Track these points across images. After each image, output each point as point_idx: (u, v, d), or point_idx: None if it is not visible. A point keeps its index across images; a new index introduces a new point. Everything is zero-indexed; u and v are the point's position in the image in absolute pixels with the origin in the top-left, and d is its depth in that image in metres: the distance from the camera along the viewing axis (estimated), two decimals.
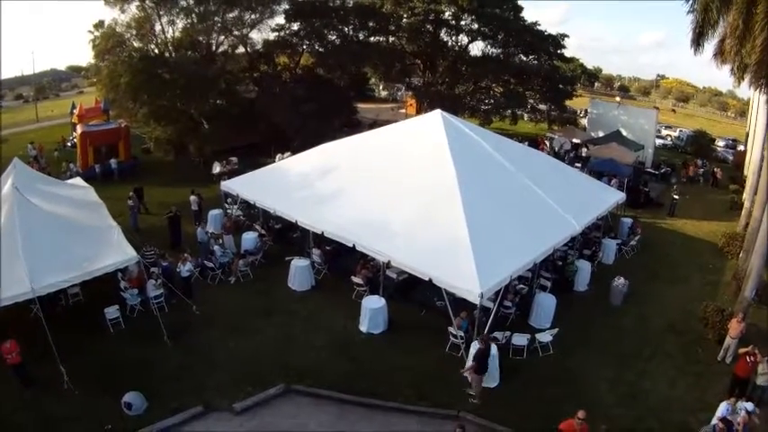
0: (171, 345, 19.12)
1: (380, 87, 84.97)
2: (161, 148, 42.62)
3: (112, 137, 39.93)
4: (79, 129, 39.84)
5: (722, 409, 15.04)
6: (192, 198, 29.80)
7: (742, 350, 17.69)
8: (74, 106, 48.49)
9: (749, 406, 14.99)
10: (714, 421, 14.63)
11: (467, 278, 17.90)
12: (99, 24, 41.27)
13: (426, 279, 19.07)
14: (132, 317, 20.76)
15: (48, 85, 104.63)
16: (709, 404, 16.36)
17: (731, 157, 55.22)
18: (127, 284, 21.23)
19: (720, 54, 29.62)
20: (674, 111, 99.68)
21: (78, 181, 28.04)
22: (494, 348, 17.69)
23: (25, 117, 70.48)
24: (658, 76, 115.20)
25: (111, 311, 19.99)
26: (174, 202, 27.82)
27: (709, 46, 28.85)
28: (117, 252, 19.52)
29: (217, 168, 37.77)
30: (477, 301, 17.55)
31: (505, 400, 17.04)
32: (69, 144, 47.43)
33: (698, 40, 27.31)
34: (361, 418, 16.24)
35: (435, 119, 25.61)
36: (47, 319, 16.96)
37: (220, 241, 25.51)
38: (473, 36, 49.49)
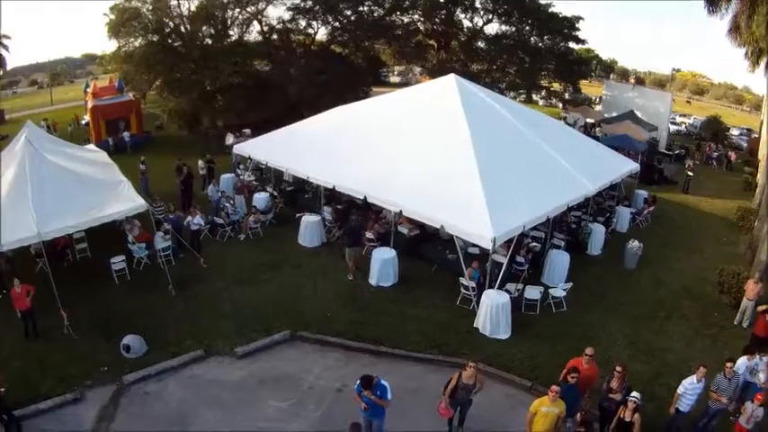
0: (175, 294, 18.94)
1: (395, 72, 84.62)
2: (175, 120, 42.57)
3: (124, 110, 39.99)
4: (90, 103, 39.86)
5: (741, 364, 14.62)
6: (200, 163, 30.11)
7: (761, 308, 17.22)
8: (87, 85, 48.50)
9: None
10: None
11: (479, 224, 17.55)
12: (114, 7, 41.40)
13: (438, 226, 18.71)
14: (138, 270, 20.64)
15: (62, 71, 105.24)
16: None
17: (745, 144, 55.00)
18: (133, 239, 21.10)
19: (735, 29, 29.86)
20: (689, 102, 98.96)
21: (92, 147, 28.17)
22: (505, 298, 17.41)
23: (40, 101, 71.06)
24: (674, 69, 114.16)
25: (117, 261, 19.88)
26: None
27: (723, 22, 29.56)
28: (126, 201, 19.48)
29: (230, 140, 37.59)
30: (489, 245, 17.18)
31: (517, 352, 16.71)
32: (83, 122, 47.48)
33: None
34: (368, 364, 15.87)
35: (449, 81, 25.26)
36: (53, 273, 16.94)
37: (231, 201, 25.33)
38: (488, 16, 49.10)
